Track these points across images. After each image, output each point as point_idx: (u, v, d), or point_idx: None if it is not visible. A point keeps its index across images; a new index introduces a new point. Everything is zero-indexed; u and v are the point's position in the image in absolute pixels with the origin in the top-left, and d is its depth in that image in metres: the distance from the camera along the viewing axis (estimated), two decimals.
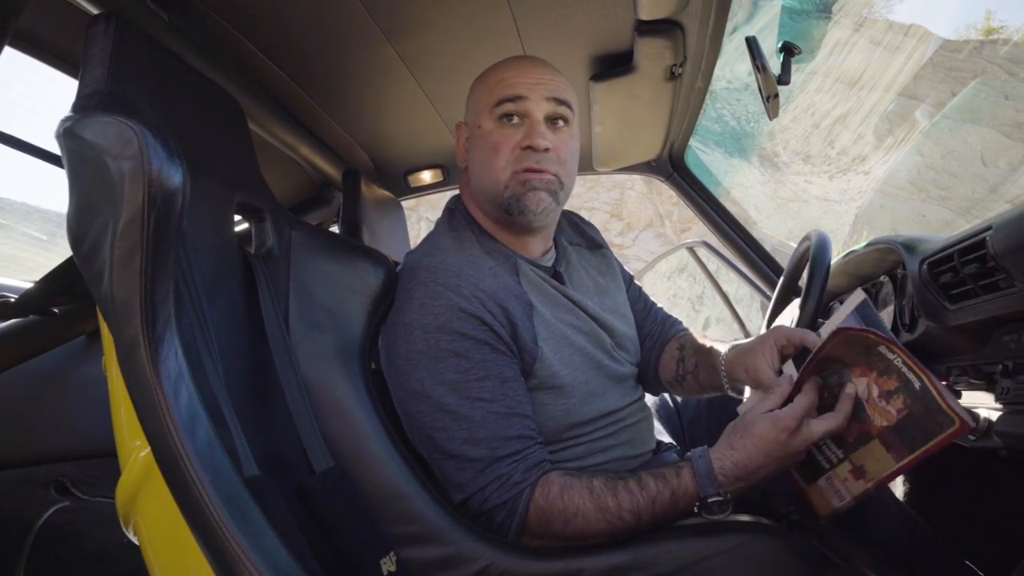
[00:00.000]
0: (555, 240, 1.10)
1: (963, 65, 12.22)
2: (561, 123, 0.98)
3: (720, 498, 0.80)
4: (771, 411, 0.81)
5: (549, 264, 1.06)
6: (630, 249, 10.57)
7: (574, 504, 0.83)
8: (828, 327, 0.94)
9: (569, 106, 0.99)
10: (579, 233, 1.18)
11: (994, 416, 0.93)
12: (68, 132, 0.63)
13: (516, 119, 0.95)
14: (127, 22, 0.75)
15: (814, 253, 1.19)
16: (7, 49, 0.75)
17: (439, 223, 1.05)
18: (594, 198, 10.59)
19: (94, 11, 0.80)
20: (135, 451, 0.65)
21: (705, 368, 1.08)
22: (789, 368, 0.93)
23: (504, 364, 0.89)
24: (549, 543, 0.86)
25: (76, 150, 0.63)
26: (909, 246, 1.09)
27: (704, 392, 1.12)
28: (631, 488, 0.83)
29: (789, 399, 0.82)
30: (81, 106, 0.68)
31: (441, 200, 1.20)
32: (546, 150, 0.94)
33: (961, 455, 1.03)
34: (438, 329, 0.87)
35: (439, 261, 0.94)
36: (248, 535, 0.62)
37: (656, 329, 1.21)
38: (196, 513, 0.61)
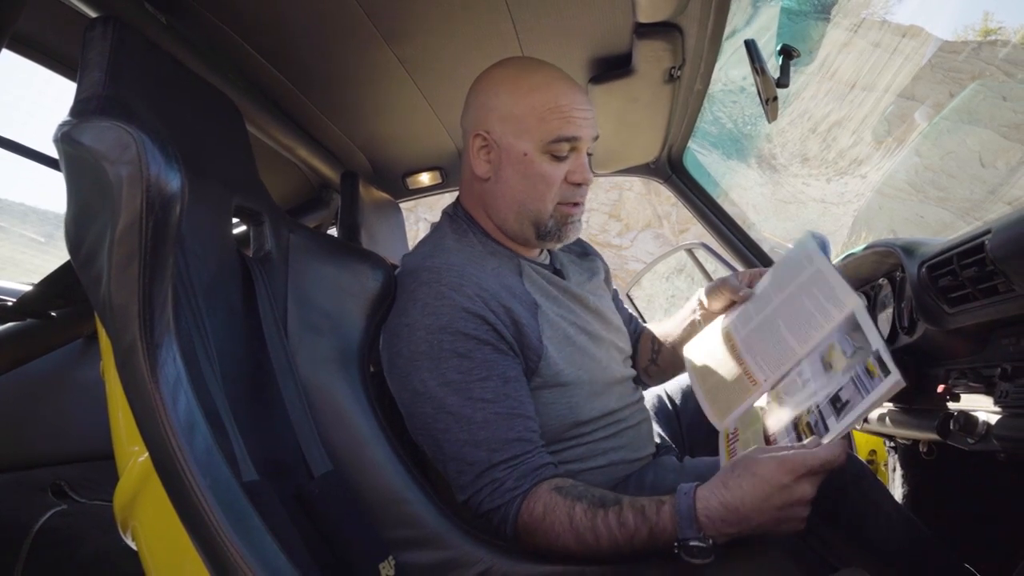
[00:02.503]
0: None
1: (961, 66, 12.25)
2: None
3: (701, 544, 0.72)
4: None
5: (547, 262, 1.08)
6: (628, 250, 10.58)
7: (554, 531, 0.80)
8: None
9: None
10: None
11: (993, 420, 0.93)
12: (66, 137, 0.63)
13: (566, 153, 0.96)
14: (125, 25, 0.75)
15: None
16: (4, 51, 0.75)
17: (439, 227, 1.05)
18: (592, 199, 10.59)
19: (92, 14, 0.80)
20: (133, 456, 0.65)
21: (666, 351, 1.20)
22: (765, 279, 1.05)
23: (507, 364, 0.89)
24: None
25: (74, 155, 0.63)
26: (908, 249, 1.09)
27: (664, 374, 1.24)
28: (610, 522, 0.77)
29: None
30: (79, 110, 0.68)
31: (439, 201, 1.21)
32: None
33: (960, 458, 1.03)
34: (441, 329, 0.87)
35: (442, 262, 0.94)
36: (246, 540, 0.62)
37: (632, 328, 1.27)
38: (194, 518, 0.61)
